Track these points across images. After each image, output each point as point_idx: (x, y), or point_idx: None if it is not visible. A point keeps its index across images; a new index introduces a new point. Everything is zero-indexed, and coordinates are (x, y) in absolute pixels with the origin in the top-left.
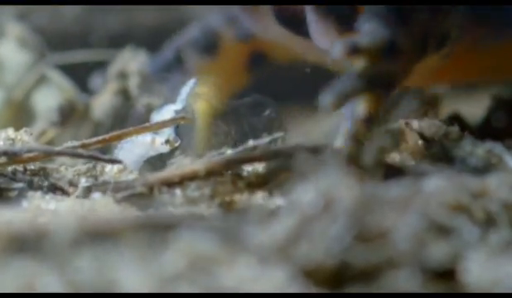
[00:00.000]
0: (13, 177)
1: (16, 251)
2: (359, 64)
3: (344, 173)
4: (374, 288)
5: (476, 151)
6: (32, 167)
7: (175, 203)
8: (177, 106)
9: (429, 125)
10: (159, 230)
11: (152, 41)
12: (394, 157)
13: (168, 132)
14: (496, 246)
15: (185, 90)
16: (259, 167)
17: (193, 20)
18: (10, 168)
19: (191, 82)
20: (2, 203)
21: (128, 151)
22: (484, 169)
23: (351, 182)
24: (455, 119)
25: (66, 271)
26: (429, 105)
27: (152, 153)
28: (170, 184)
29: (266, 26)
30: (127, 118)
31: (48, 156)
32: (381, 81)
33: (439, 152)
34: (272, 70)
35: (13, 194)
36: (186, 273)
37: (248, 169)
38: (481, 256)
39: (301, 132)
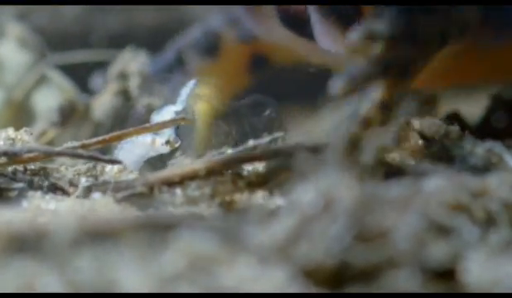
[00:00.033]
0: (13, 177)
1: (16, 251)
2: (375, 49)
3: (344, 173)
4: (374, 288)
5: (477, 150)
6: (32, 167)
7: (175, 202)
8: (177, 107)
9: (429, 124)
10: (159, 230)
11: (152, 42)
12: (394, 157)
13: (168, 133)
14: (496, 246)
15: (186, 91)
16: (259, 167)
17: (193, 20)
18: (10, 168)
19: (191, 83)
20: (2, 203)
21: (128, 152)
22: (484, 168)
23: (351, 182)
24: (454, 118)
25: (66, 271)
26: (428, 104)
27: (152, 154)
28: (170, 183)
29: (269, 28)
30: (127, 119)
31: (48, 156)
32: (398, 68)
33: (439, 152)
34: (273, 72)
35: (13, 194)
36: (186, 273)
37: (248, 168)
38: (481, 256)
39: (301, 131)
